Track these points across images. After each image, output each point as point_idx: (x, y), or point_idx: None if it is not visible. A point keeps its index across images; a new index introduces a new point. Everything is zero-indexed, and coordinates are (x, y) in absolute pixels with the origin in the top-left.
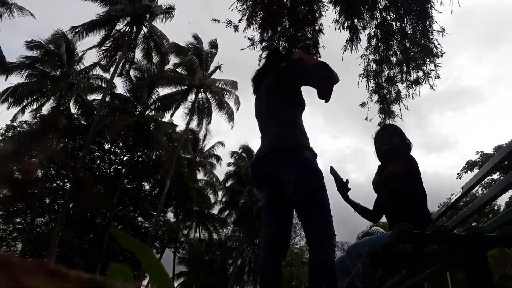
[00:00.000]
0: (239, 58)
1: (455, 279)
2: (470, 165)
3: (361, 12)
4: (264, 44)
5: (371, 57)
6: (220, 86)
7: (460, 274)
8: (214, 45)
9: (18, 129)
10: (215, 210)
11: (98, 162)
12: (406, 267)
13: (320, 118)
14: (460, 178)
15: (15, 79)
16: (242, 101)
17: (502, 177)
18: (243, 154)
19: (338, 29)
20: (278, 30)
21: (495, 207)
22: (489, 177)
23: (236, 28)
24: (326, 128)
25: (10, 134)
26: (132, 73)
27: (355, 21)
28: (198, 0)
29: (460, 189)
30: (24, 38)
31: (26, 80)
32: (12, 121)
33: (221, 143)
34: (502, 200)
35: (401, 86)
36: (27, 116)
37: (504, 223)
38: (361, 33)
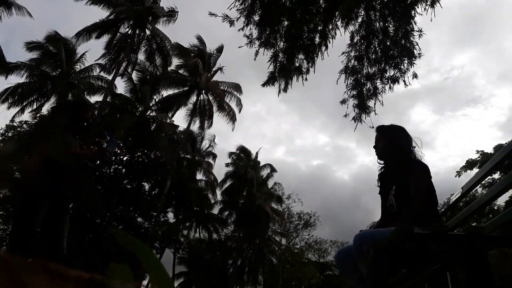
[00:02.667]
0: (242, 60)
1: (455, 279)
2: (470, 164)
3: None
4: (261, 41)
5: (352, 53)
6: (222, 88)
7: (460, 274)
8: (219, 49)
9: (18, 129)
10: (215, 210)
11: (98, 162)
12: (408, 265)
13: (296, 116)
14: (459, 177)
15: (15, 79)
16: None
17: (502, 177)
18: (241, 154)
19: (315, 31)
20: (276, 28)
21: (495, 207)
22: (489, 177)
23: (232, 23)
24: (303, 126)
25: (10, 134)
26: (134, 74)
27: (329, 26)
28: (202, 2)
29: (460, 189)
30: (24, 39)
31: (26, 80)
32: (12, 121)
33: (213, 141)
34: (502, 200)
35: (378, 82)
36: (26, 116)
37: (504, 223)
38: (329, 42)
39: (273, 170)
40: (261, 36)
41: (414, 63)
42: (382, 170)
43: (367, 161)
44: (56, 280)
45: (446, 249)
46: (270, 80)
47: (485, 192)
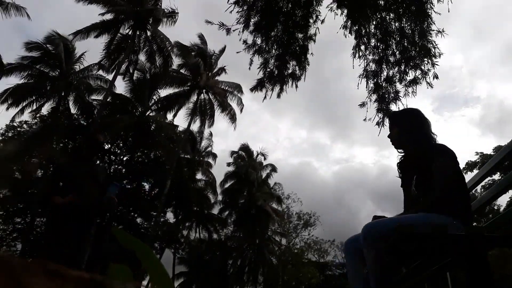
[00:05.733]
0: (243, 60)
1: (455, 279)
2: (469, 166)
3: (367, 14)
4: (255, 48)
5: (370, 57)
6: (223, 87)
7: (460, 274)
8: (221, 50)
9: (18, 129)
10: (215, 210)
11: (98, 162)
12: (420, 257)
13: (268, 114)
14: None
15: (14, 80)
16: (244, 103)
17: (502, 178)
18: (243, 153)
19: (345, 35)
20: (272, 35)
21: (495, 207)
22: (489, 177)
23: (228, 31)
24: (277, 124)
25: (10, 135)
26: (134, 74)
27: (361, 26)
28: (204, 2)
29: None
30: (23, 40)
31: (25, 81)
32: (12, 121)
33: (211, 138)
34: (502, 200)
35: (399, 86)
36: (26, 116)
37: (504, 223)
38: (365, 38)
39: (274, 170)
40: (255, 43)
41: (436, 64)
42: (401, 159)
43: (346, 157)
44: (56, 280)
45: (446, 249)
46: (258, 86)
47: (485, 192)
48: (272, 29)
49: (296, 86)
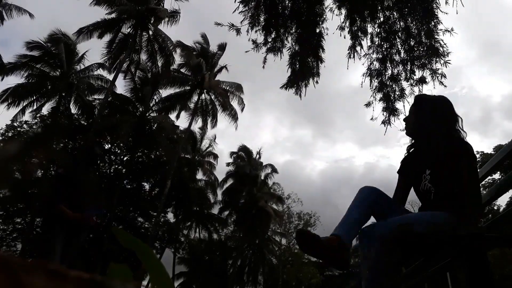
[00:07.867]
0: (244, 61)
1: (455, 279)
2: None
3: (365, 14)
4: (268, 46)
5: (374, 55)
6: (224, 87)
7: (460, 274)
8: (222, 47)
9: (18, 129)
10: (215, 210)
11: (98, 162)
12: (421, 254)
13: (247, 113)
14: None
15: (14, 79)
16: (245, 102)
17: (502, 177)
18: (242, 154)
19: (343, 36)
20: (281, 32)
21: (495, 207)
22: (489, 177)
23: (238, 31)
24: (258, 122)
25: (10, 134)
26: (135, 73)
27: (358, 24)
28: (207, 2)
29: None
30: (26, 39)
31: (26, 81)
32: (12, 121)
33: (214, 140)
34: (502, 200)
35: (405, 84)
36: (27, 116)
37: (504, 223)
38: (362, 40)
39: (274, 170)
40: (267, 41)
41: (448, 62)
42: (412, 149)
43: (332, 155)
44: (56, 280)
45: (446, 249)
46: (289, 84)
47: (485, 192)
48: (283, 26)
49: (317, 82)
